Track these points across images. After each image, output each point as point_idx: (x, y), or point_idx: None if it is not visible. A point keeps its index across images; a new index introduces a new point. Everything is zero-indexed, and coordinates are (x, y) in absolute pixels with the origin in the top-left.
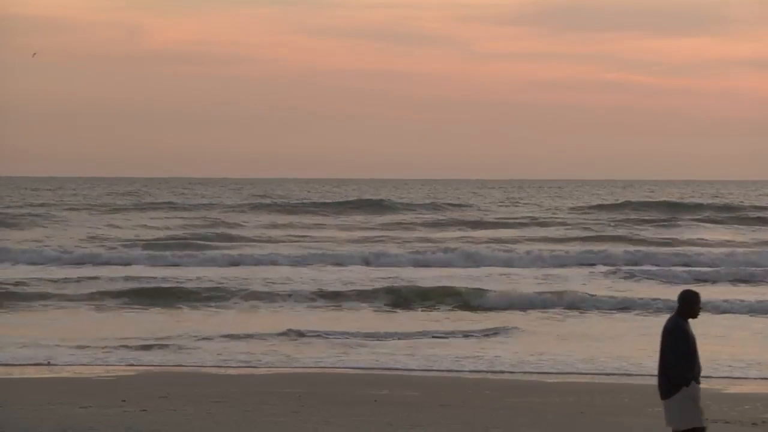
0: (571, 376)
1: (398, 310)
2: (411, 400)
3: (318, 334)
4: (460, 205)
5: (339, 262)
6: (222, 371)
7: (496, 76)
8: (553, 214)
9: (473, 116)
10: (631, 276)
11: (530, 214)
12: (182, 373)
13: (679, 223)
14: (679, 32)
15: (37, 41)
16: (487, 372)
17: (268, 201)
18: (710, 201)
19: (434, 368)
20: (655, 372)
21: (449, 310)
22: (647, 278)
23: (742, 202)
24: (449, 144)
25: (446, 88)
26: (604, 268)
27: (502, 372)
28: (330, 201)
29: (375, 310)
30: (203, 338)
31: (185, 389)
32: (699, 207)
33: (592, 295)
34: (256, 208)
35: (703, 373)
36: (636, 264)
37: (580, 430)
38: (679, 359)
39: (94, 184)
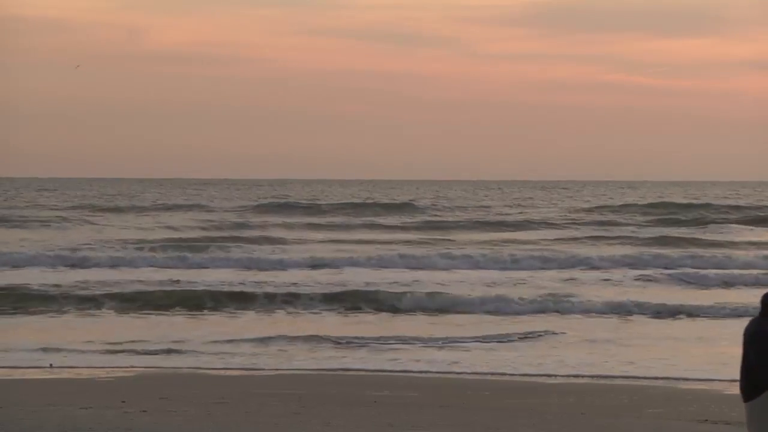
0: (571, 378)
1: (418, 314)
2: (411, 401)
3: (333, 340)
4: (473, 207)
5: (363, 264)
6: (222, 372)
7: (498, 77)
8: (569, 214)
9: (475, 117)
10: (659, 279)
11: (546, 215)
12: (182, 374)
13: (702, 224)
14: (680, 33)
15: (37, 42)
16: (486, 373)
17: (279, 201)
18: (720, 202)
19: (433, 370)
20: (660, 375)
21: (472, 314)
22: (675, 281)
23: (750, 203)
24: (450, 145)
25: (447, 89)
26: (633, 271)
27: (502, 374)
28: (348, 202)
29: (391, 313)
30: (214, 342)
31: (185, 390)
32: (713, 207)
33: (619, 300)
34: (270, 208)
35: (706, 375)
36: (664, 267)
37: (580, 431)
38: (763, 362)
39: (96, 185)
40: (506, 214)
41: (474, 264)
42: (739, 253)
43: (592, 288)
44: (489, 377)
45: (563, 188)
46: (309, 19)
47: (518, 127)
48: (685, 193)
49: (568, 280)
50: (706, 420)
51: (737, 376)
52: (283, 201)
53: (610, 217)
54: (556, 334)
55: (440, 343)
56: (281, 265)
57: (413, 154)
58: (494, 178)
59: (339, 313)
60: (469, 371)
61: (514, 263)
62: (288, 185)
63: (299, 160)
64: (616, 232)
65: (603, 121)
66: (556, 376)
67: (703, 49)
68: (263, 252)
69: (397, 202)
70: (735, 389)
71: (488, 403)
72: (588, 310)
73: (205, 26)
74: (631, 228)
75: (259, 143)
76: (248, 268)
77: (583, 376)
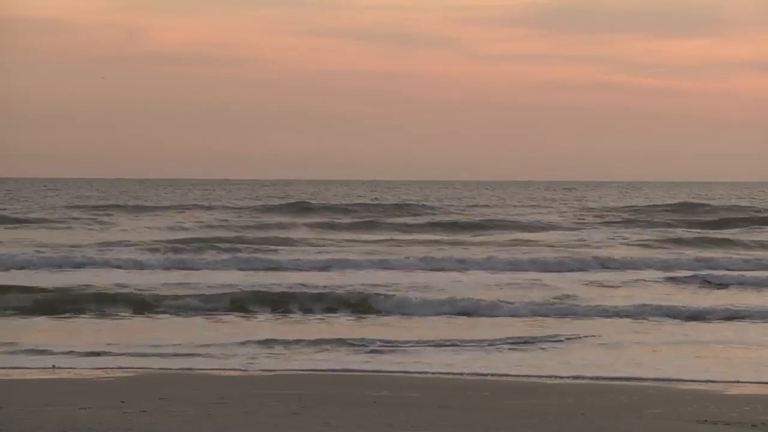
0: (571, 379)
1: (434, 316)
2: (411, 401)
3: (349, 342)
4: (483, 206)
5: (398, 267)
6: (222, 372)
7: (498, 77)
8: (583, 214)
9: (475, 117)
10: (683, 280)
11: (561, 216)
12: (181, 374)
13: (722, 225)
14: (680, 34)
15: (37, 42)
16: (486, 374)
17: (292, 201)
18: (736, 202)
19: (431, 371)
20: (662, 377)
21: (488, 316)
22: (699, 283)
23: (751, 204)
24: (450, 145)
25: (447, 90)
26: (655, 273)
27: (502, 375)
28: (359, 203)
29: (404, 316)
30: (223, 344)
31: (185, 391)
32: (726, 208)
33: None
34: (283, 209)
35: (706, 377)
36: (687, 268)
37: (580, 431)
38: None
39: (99, 186)
40: (519, 215)
41: (490, 265)
42: (759, 254)
43: (610, 290)
44: (489, 378)
45: (568, 188)
46: (309, 19)
47: (518, 128)
48: (694, 194)
49: (586, 281)
50: (706, 420)
51: (740, 377)
52: (294, 201)
53: (626, 217)
54: (571, 338)
55: (450, 345)
56: (297, 266)
57: (413, 155)
58: (494, 178)
59: (355, 314)
60: (468, 372)
61: (532, 264)
62: (290, 185)
63: (299, 160)
64: (632, 232)
65: (603, 122)
66: (556, 377)
67: (703, 50)
68: (278, 253)
69: (410, 202)
70: (734, 389)
71: (488, 403)
72: (604, 312)
73: (205, 27)
74: (650, 229)
75: (259, 143)
76: (263, 269)
77: (583, 378)
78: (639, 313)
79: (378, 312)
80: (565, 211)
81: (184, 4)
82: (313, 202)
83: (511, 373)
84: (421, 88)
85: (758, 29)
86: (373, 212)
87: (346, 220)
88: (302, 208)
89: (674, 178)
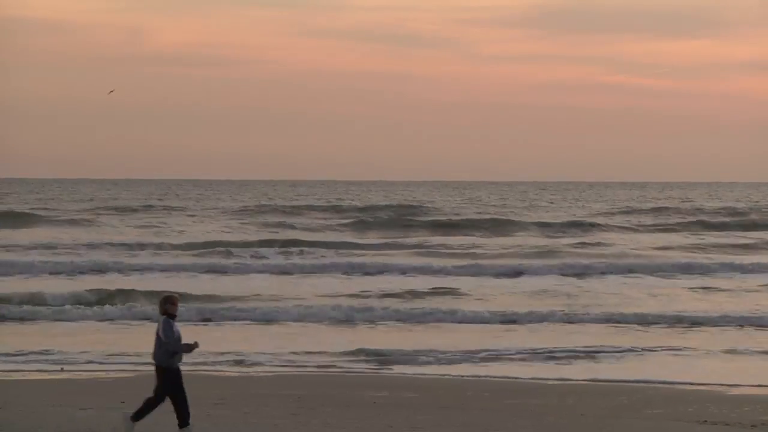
0: (571, 380)
1: (487, 324)
2: (410, 402)
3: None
4: (520, 208)
5: (443, 272)
6: (221, 373)
7: (497, 78)
8: (625, 216)
9: (473, 119)
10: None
11: (574, 218)
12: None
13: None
14: (679, 34)
15: (39, 43)
16: (485, 375)
17: (326, 204)
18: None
19: (429, 372)
20: (661, 379)
21: (536, 323)
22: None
23: (743, 204)
24: (448, 146)
25: (447, 91)
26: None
27: (501, 376)
28: (391, 203)
29: (459, 323)
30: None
31: None
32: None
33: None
34: (317, 210)
35: (707, 379)
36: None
37: (580, 431)
38: None
39: (104, 186)
40: (558, 217)
41: (546, 271)
42: None
43: (699, 295)
44: (488, 379)
45: (584, 189)
46: (309, 19)
47: (518, 128)
48: (691, 195)
49: (636, 285)
50: (706, 421)
51: (740, 380)
52: (326, 204)
53: (674, 219)
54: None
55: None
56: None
57: (413, 155)
58: (495, 178)
59: (405, 322)
60: (467, 374)
61: (585, 269)
62: (297, 186)
63: (299, 160)
64: (696, 235)
65: (603, 123)
66: (554, 379)
67: (703, 50)
68: (301, 257)
69: (451, 204)
70: (734, 390)
71: (488, 403)
72: (642, 320)
73: (206, 28)
74: (714, 232)
75: (259, 144)
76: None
77: (583, 379)
78: (685, 320)
79: (431, 322)
80: (603, 213)
81: (184, 5)
82: (343, 204)
83: (510, 375)
84: (421, 89)
85: (758, 30)
86: (411, 215)
87: (382, 217)
88: (337, 210)
89: (675, 178)
